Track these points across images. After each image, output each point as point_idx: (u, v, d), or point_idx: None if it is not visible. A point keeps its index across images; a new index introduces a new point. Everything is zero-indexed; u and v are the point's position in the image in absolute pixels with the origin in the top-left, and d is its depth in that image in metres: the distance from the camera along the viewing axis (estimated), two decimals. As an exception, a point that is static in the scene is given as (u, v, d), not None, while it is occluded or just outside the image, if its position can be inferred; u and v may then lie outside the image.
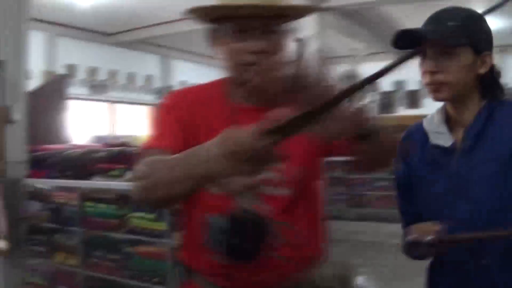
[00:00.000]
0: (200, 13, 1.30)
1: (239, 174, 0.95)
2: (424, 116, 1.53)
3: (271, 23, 1.26)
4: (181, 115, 1.34)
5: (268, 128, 0.89)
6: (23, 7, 4.13)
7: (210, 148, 0.96)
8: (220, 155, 0.93)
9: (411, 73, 1.50)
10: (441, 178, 1.41)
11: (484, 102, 1.40)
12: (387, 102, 11.72)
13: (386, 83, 11.60)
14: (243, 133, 0.91)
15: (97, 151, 3.69)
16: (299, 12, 1.33)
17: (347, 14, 8.97)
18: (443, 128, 1.44)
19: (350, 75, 1.00)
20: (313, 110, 0.89)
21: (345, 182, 7.82)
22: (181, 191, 1.09)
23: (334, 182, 7.51)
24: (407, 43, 1.34)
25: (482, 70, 1.39)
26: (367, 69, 1.23)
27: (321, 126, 0.96)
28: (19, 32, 4.09)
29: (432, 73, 1.36)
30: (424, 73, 1.39)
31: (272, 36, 1.26)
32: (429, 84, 1.38)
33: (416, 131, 1.52)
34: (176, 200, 1.26)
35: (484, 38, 1.40)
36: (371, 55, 10.51)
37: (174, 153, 1.13)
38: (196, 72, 12.26)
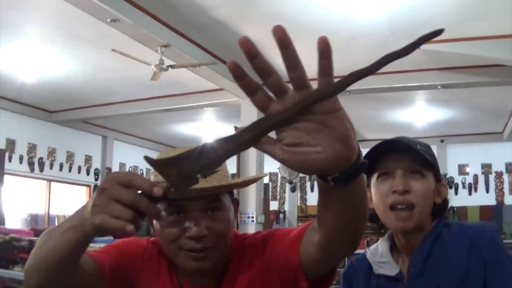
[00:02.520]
0: None
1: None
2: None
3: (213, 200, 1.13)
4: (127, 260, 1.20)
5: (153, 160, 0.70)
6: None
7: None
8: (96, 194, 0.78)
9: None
10: None
11: (433, 223, 1.36)
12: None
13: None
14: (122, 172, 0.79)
15: (19, 240, 3.65)
16: (239, 186, 1.26)
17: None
18: (388, 257, 1.37)
19: None
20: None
21: None
22: (59, 251, 0.88)
23: None
24: (375, 154, 1.33)
25: (438, 200, 1.37)
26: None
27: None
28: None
29: (402, 192, 1.29)
30: (390, 192, 1.31)
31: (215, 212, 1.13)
32: (398, 204, 1.30)
33: (357, 263, 1.45)
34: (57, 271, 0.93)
35: (439, 170, 1.40)
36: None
37: (99, 265, 1.09)
38: (136, 155, 12.31)
